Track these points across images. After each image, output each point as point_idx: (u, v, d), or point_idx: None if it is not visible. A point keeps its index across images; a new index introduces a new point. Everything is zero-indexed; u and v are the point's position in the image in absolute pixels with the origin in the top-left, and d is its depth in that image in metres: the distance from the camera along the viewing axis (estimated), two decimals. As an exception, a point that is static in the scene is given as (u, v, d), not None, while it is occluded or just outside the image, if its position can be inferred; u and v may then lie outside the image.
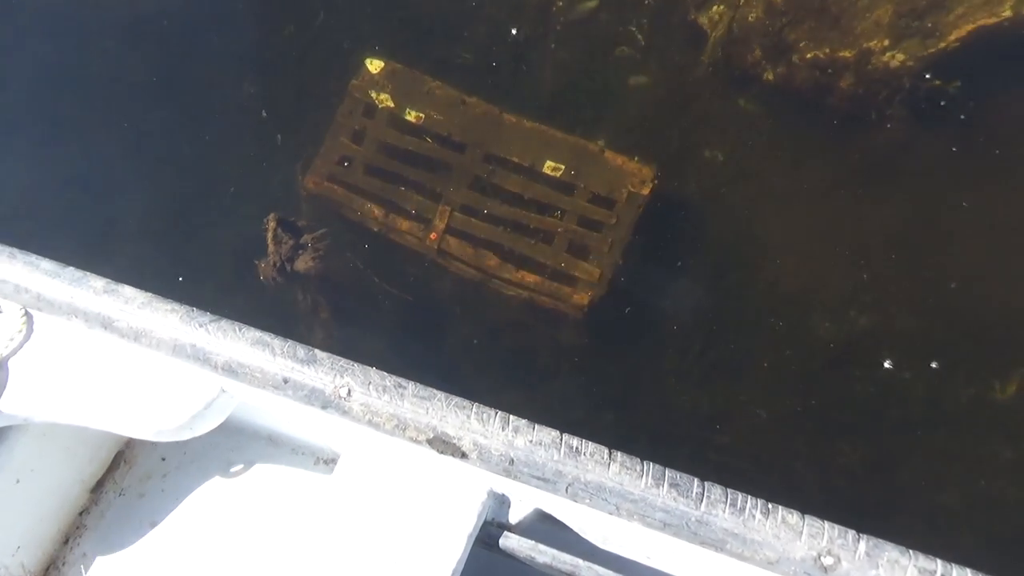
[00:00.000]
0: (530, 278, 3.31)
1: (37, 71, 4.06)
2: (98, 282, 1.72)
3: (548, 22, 3.96)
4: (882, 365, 3.29)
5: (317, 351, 1.67)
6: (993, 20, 3.09)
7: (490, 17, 3.93)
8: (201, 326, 1.67)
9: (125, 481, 2.25)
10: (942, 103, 3.23)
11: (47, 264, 1.74)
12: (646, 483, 1.50)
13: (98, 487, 2.25)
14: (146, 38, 4.02)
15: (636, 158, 3.42)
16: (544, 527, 1.70)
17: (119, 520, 2.19)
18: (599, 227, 3.31)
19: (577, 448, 1.54)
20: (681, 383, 3.41)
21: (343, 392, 1.61)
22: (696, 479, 1.52)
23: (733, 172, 3.49)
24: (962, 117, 3.25)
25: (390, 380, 1.63)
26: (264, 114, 3.72)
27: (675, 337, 3.31)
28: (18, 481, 2.00)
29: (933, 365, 3.22)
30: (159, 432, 1.69)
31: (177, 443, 1.98)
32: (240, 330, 1.68)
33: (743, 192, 3.46)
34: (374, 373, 1.65)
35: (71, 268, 1.75)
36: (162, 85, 3.93)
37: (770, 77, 3.41)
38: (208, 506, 2.17)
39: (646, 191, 3.33)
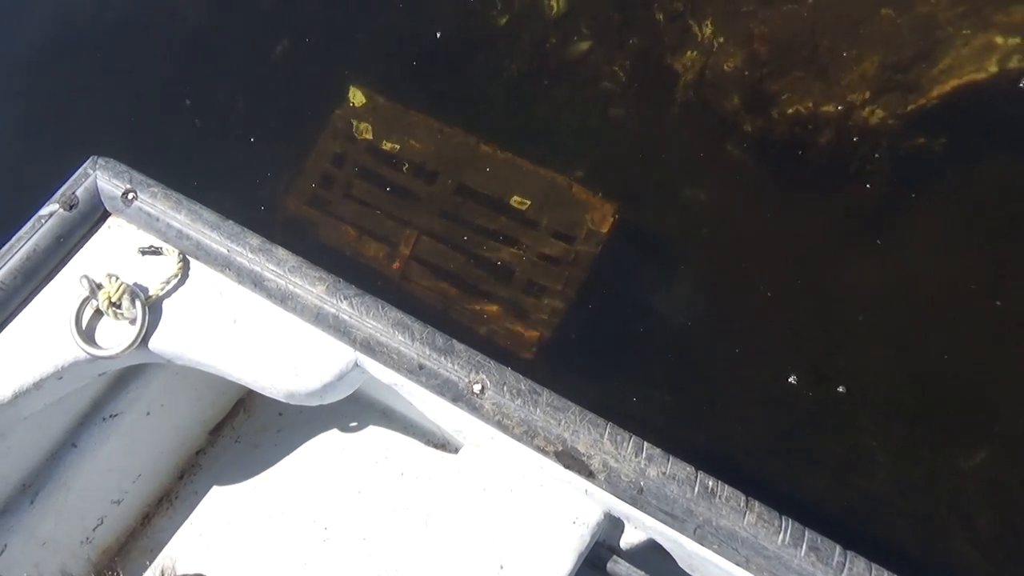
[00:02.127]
0: (490, 308, 3.20)
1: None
2: (254, 239, 1.74)
3: (541, 59, 4.01)
4: (856, 430, 3.13)
5: (456, 342, 1.64)
6: (981, 75, 2.90)
7: (486, 52, 3.93)
8: (346, 298, 1.66)
9: (243, 429, 2.30)
10: (925, 161, 3.04)
11: (209, 215, 1.76)
12: (783, 540, 1.41)
13: (216, 430, 2.30)
14: (138, 47, 4.11)
15: (600, 194, 3.31)
16: (655, 559, 1.65)
17: (232, 465, 2.24)
18: (558, 262, 3.18)
19: (712, 489, 1.47)
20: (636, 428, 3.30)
21: (476, 388, 1.58)
22: (839, 546, 1.40)
23: (705, 213, 3.31)
24: (946, 178, 3.02)
25: (525, 384, 1.59)
26: (252, 140, 3.70)
27: (627, 380, 3.25)
28: (148, 414, 2.08)
29: (902, 433, 3.07)
30: (290, 395, 1.70)
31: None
32: (383, 308, 1.66)
33: (712, 234, 3.26)
34: (510, 374, 1.60)
35: (231, 222, 1.77)
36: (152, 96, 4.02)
37: (749, 128, 3.25)
38: (317, 467, 2.17)
39: (605, 228, 3.22)
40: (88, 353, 1.69)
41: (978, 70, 2.89)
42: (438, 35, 3.88)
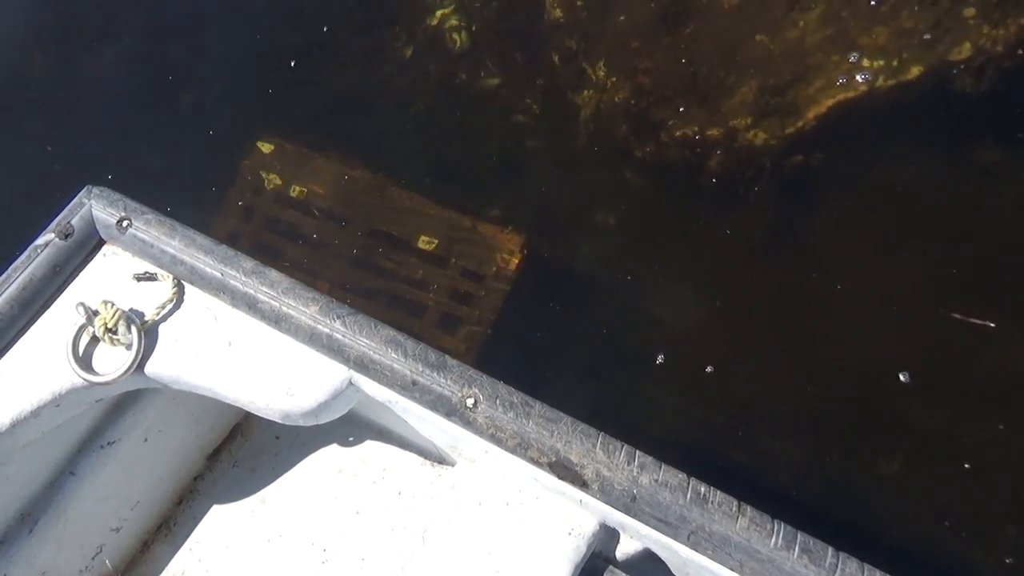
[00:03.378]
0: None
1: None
2: (248, 263, 1.76)
3: (450, 94, 4.08)
4: (765, 437, 3.24)
5: (448, 358, 1.64)
6: (851, 94, 2.98)
7: (393, 89, 3.92)
8: (339, 318, 1.67)
9: (240, 453, 2.30)
10: (809, 178, 3.10)
11: (203, 240, 1.79)
12: (775, 543, 1.41)
13: (214, 455, 2.30)
14: (50, 107, 4.10)
15: (510, 228, 3.35)
16: (650, 569, 1.66)
17: (230, 489, 2.24)
18: (469, 301, 3.21)
19: (705, 495, 1.46)
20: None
21: (469, 402, 1.59)
22: (831, 548, 1.40)
23: (613, 239, 3.36)
24: (831, 192, 3.09)
25: (518, 397, 1.60)
26: (168, 209, 3.79)
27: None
28: (146, 440, 2.07)
29: (813, 436, 3.16)
30: (286, 415, 1.70)
31: (294, 425, 2.03)
32: (376, 327, 1.68)
33: (622, 263, 3.29)
34: (503, 388, 1.61)
35: (224, 246, 1.79)
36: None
37: (639, 154, 3.32)
38: (314, 489, 2.18)
39: (514, 263, 3.29)
40: (85, 380, 1.70)
41: (848, 90, 2.99)
42: (345, 74, 3.96)
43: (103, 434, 2.01)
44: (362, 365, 1.66)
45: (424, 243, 3.31)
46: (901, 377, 2.73)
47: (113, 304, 1.71)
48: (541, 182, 3.57)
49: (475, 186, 3.62)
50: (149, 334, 1.75)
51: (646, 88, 3.31)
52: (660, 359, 3.06)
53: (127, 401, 2.03)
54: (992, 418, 2.64)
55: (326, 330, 1.67)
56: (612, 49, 3.42)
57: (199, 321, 1.78)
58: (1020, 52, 2.80)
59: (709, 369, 3.03)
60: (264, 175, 3.50)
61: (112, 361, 1.73)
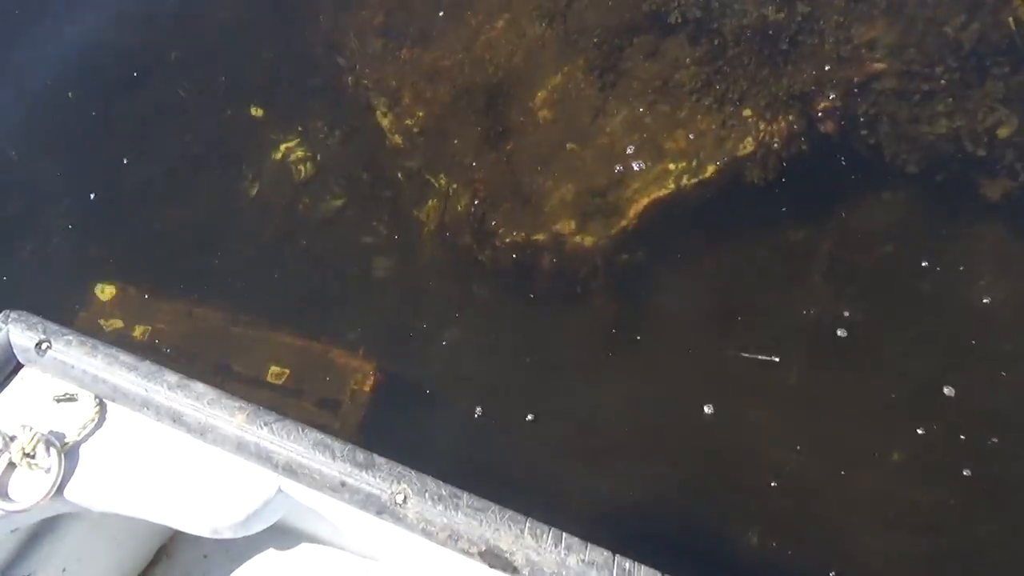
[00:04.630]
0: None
1: None
2: (172, 376, 1.73)
3: (295, 222, 4.17)
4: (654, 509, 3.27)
5: (376, 456, 1.65)
6: (663, 192, 3.21)
7: (238, 224, 3.93)
8: (266, 424, 1.67)
9: None
10: (636, 272, 3.29)
11: (125, 357, 1.75)
12: None
13: None
14: None
15: (362, 351, 3.39)
16: None
17: None
18: (325, 430, 3.34)
19: (630, 571, 1.50)
20: None
21: (399, 499, 1.60)
22: None
23: (463, 350, 3.41)
24: (656, 281, 3.29)
25: (446, 489, 1.61)
26: None
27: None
28: (64, 570, 1.95)
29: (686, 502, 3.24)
30: (215, 529, 1.65)
31: (222, 540, 1.90)
32: (303, 430, 1.68)
33: (472, 370, 3.35)
34: (431, 481, 1.62)
35: (147, 361, 1.76)
36: None
37: (483, 261, 3.43)
38: None
39: (368, 388, 3.34)
40: (0, 509, 1.62)
41: (660, 188, 3.26)
42: (188, 211, 3.94)
43: (17, 568, 1.91)
44: (290, 470, 1.66)
45: (274, 375, 3.27)
46: (705, 409, 2.99)
47: (31, 428, 1.67)
48: (391, 301, 3.62)
49: (326, 311, 3.61)
50: (70, 456, 1.70)
51: (482, 195, 3.47)
52: (518, 469, 3.11)
53: (44, 529, 1.94)
54: (791, 440, 2.93)
55: (253, 438, 1.67)
56: (449, 166, 3.60)
57: (122, 439, 1.74)
58: (794, 143, 3.16)
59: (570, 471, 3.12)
60: (104, 321, 3.41)
61: (30, 487, 1.66)
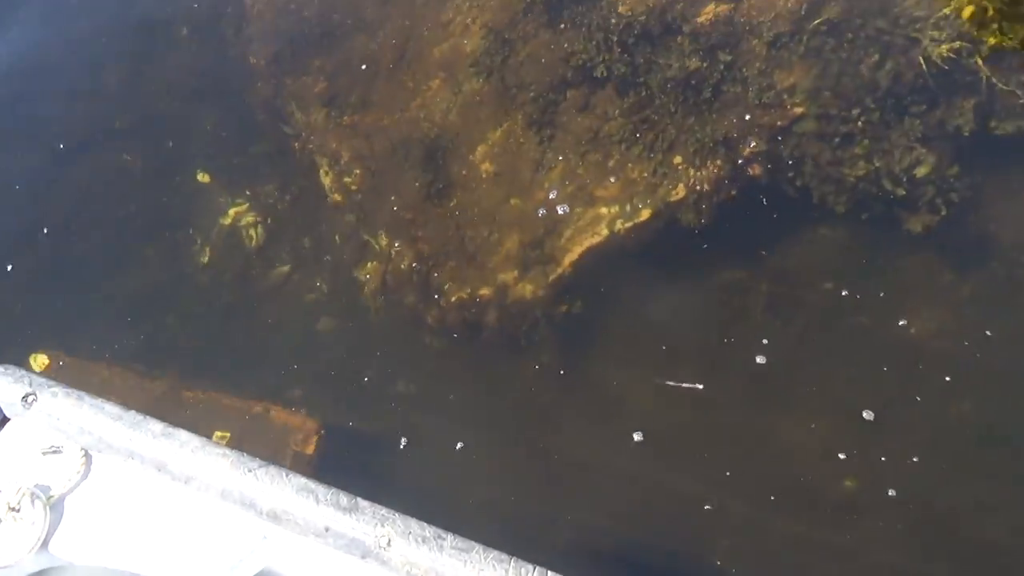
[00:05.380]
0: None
1: None
2: (156, 425, 1.76)
3: (245, 289, 4.08)
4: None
5: (360, 499, 1.67)
6: (596, 239, 3.25)
7: (189, 292, 3.90)
8: (250, 471, 1.70)
9: None
10: (576, 320, 3.32)
11: (111, 407, 1.78)
12: None
13: None
14: None
15: (306, 410, 3.34)
16: None
17: None
18: None
19: None
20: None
21: (383, 542, 1.61)
22: None
23: (414, 406, 3.43)
24: (596, 326, 3.35)
25: (430, 531, 1.63)
26: None
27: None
28: None
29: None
30: None
31: None
32: (287, 476, 1.70)
33: (423, 426, 3.35)
34: (415, 523, 1.63)
35: (133, 411, 1.79)
36: None
37: (429, 320, 3.45)
38: None
39: (311, 449, 3.29)
40: None
41: (594, 235, 3.30)
42: (133, 278, 3.92)
43: None
44: (275, 517, 1.68)
45: (217, 438, 3.26)
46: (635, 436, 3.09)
47: (17, 481, 1.68)
48: (337, 361, 3.62)
49: (272, 374, 3.61)
50: (55, 509, 1.71)
51: (425, 254, 3.50)
52: (475, 525, 3.09)
53: None
54: (721, 465, 3.01)
55: (238, 485, 1.69)
56: (390, 223, 3.63)
57: (108, 490, 1.75)
58: (723, 188, 3.23)
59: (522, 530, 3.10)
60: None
61: (15, 541, 1.66)
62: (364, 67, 3.94)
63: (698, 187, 3.22)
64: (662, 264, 3.32)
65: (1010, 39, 3.01)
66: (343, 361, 3.62)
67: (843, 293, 3.14)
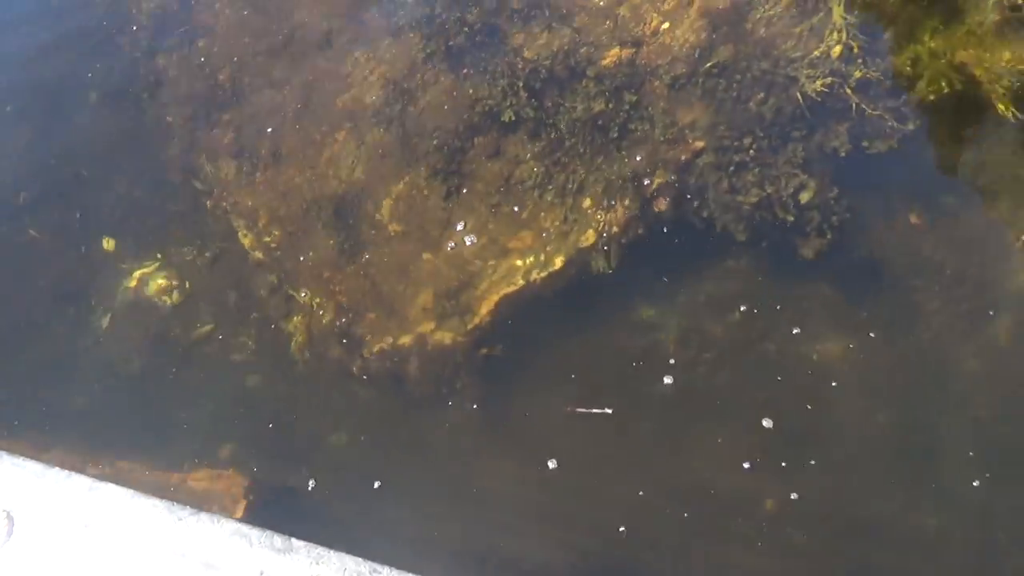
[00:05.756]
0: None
1: None
2: (83, 481, 1.78)
3: (163, 351, 4.01)
4: None
5: (294, 540, 1.72)
6: (512, 288, 3.33)
7: (96, 361, 3.83)
8: (181, 520, 1.74)
9: None
10: (496, 365, 3.38)
11: (33, 465, 1.80)
12: None
13: None
14: None
15: (232, 470, 3.33)
16: None
17: None
18: None
19: None
20: None
21: None
22: None
23: (346, 456, 3.45)
24: (517, 370, 3.40)
25: (366, 566, 1.70)
26: None
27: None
28: None
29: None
30: None
31: None
32: (218, 521, 1.74)
33: (355, 478, 3.35)
34: (349, 559, 1.68)
35: (56, 468, 1.81)
36: None
37: (355, 370, 3.48)
38: None
39: (240, 510, 3.28)
40: None
41: (510, 285, 3.35)
42: (41, 354, 3.83)
43: None
44: (209, 564, 1.67)
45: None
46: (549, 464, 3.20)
47: None
48: (264, 418, 3.60)
49: (198, 437, 3.58)
50: None
51: (345, 307, 3.54)
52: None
53: None
54: (632, 482, 3.14)
55: (169, 533, 1.69)
56: (310, 279, 3.64)
57: (33, 551, 1.71)
58: (632, 228, 3.35)
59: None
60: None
61: None
62: (272, 119, 3.97)
63: (607, 231, 3.32)
64: (577, 306, 3.41)
65: (874, 71, 3.23)
66: (272, 416, 3.61)
67: (749, 320, 3.28)
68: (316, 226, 3.69)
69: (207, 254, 4.04)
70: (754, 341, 3.25)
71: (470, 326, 3.34)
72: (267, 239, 3.76)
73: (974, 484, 2.86)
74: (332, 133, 3.84)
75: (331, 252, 3.61)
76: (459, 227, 3.44)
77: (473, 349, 3.36)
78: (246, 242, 3.86)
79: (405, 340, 3.40)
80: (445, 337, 3.36)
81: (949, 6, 3.25)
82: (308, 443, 3.52)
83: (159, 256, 4.07)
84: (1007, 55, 3.07)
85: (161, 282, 4.00)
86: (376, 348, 3.43)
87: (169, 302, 3.97)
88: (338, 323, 3.52)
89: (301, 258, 3.68)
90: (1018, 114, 3.09)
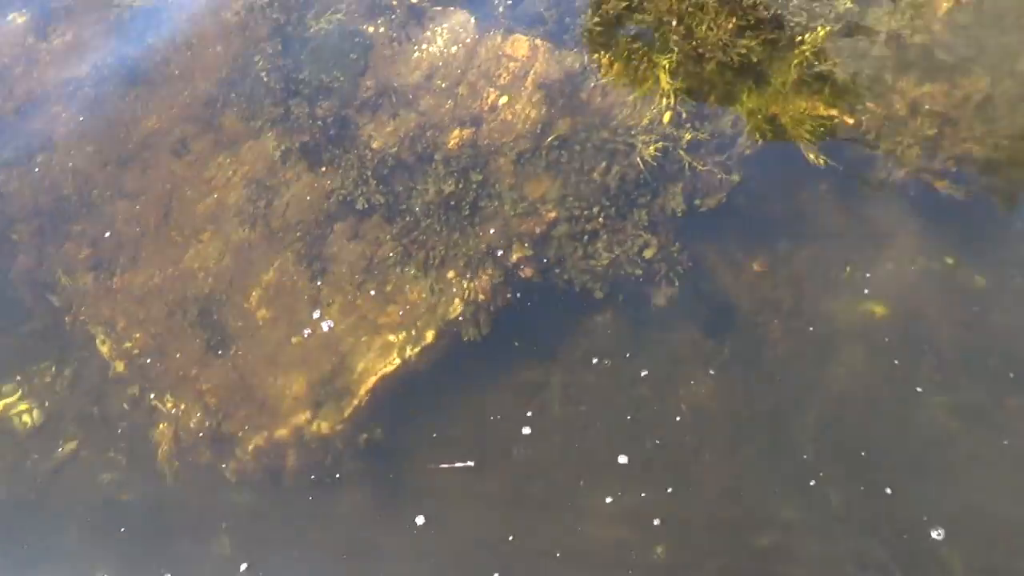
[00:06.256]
0: None
1: None
2: None
3: (22, 476, 3.81)
4: None
5: None
6: (389, 368, 3.36)
7: None
8: None
9: None
10: (378, 448, 3.38)
11: None
12: None
13: None
14: None
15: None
16: None
17: None
18: None
19: None
20: None
21: None
22: None
23: (227, 562, 3.35)
24: (400, 453, 3.41)
25: None
26: None
27: None
28: None
29: None
30: None
31: None
32: None
33: None
34: None
35: None
36: None
37: (229, 474, 3.39)
38: None
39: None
40: None
41: (387, 365, 3.38)
42: None
43: None
44: None
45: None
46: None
47: None
48: (136, 534, 3.45)
49: (66, 563, 3.41)
50: None
51: (214, 407, 3.45)
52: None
53: None
54: (507, 527, 3.23)
55: None
56: (175, 382, 3.55)
57: None
58: (499, 294, 3.46)
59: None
60: None
61: None
62: (129, 229, 3.90)
63: (475, 298, 3.43)
64: (456, 376, 3.47)
65: (702, 133, 3.54)
66: (141, 532, 3.45)
67: (617, 369, 3.43)
68: (182, 326, 3.62)
69: (67, 371, 3.88)
70: (625, 386, 3.39)
71: (348, 411, 3.33)
72: (128, 345, 3.65)
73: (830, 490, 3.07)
74: (196, 235, 3.82)
75: (198, 351, 3.55)
76: (315, 314, 3.47)
77: (353, 434, 3.34)
78: (104, 350, 3.73)
79: (281, 433, 3.35)
80: (323, 426, 3.33)
81: (758, 71, 3.62)
82: (187, 557, 3.37)
83: (18, 378, 3.88)
84: (803, 105, 3.46)
85: (22, 406, 3.81)
86: (250, 447, 3.36)
87: (30, 424, 3.77)
88: (208, 425, 3.43)
89: (167, 361, 3.59)
90: (828, 160, 3.45)
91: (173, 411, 3.52)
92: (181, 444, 3.47)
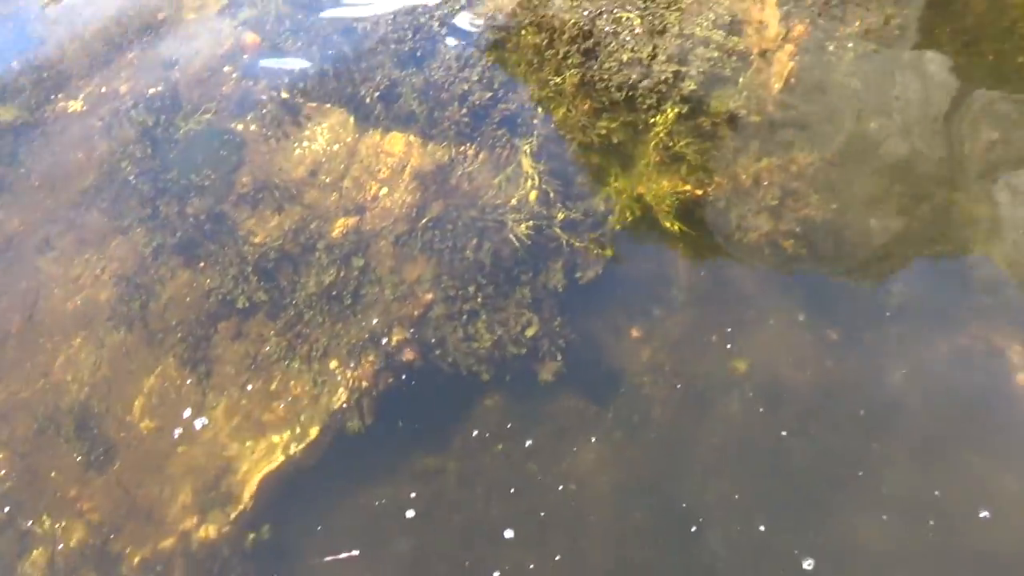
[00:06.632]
0: None
1: None
2: None
3: None
4: None
5: None
6: (273, 465, 3.34)
7: None
8: None
9: None
10: (267, 551, 3.30)
11: None
12: None
13: None
14: None
15: None
16: None
17: None
18: None
19: None
20: None
21: None
22: None
23: None
24: (279, 554, 3.33)
25: None
26: None
27: None
28: None
29: None
30: None
31: None
32: None
33: None
34: None
35: None
36: None
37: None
38: None
39: None
40: None
41: (270, 463, 3.36)
42: None
43: None
44: None
45: None
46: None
47: None
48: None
49: None
50: None
51: (96, 524, 3.33)
52: None
53: None
54: None
55: None
56: (51, 503, 3.41)
57: None
58: (382, 379, 3.50)
59: None
60: None
61: None
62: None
63: (358, 385, 3.46)
64: (340, 467, 3.45)
65: (575, 212, 3.73)
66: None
67: (515, 447, 3.50)
68: (56, 442, 3.49)
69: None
70: (518, 464, 3.45)
71: (234, 514, 3.27)
72: (-4, 468, 3.49)
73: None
74: (66, 340, 3.71)
75: (76, 467, 3.42)
76: (201, 421, 3.42)
77: (240, 537, 3.28)
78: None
79: (167, 543, 3.25)
80: (210, 531, 3.26)
81: (624, 153, 3.86)
82: None
83: None
84: (665, 183, 3.70)
85: None
86: (136, 561, 3.24)
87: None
88: (90, 544, 3.30)
89: (41, 481, 3.44)
90: (683, 227, 3.68)
91: (50, 533, 3.36)
92: (59, 567, 3.31)
